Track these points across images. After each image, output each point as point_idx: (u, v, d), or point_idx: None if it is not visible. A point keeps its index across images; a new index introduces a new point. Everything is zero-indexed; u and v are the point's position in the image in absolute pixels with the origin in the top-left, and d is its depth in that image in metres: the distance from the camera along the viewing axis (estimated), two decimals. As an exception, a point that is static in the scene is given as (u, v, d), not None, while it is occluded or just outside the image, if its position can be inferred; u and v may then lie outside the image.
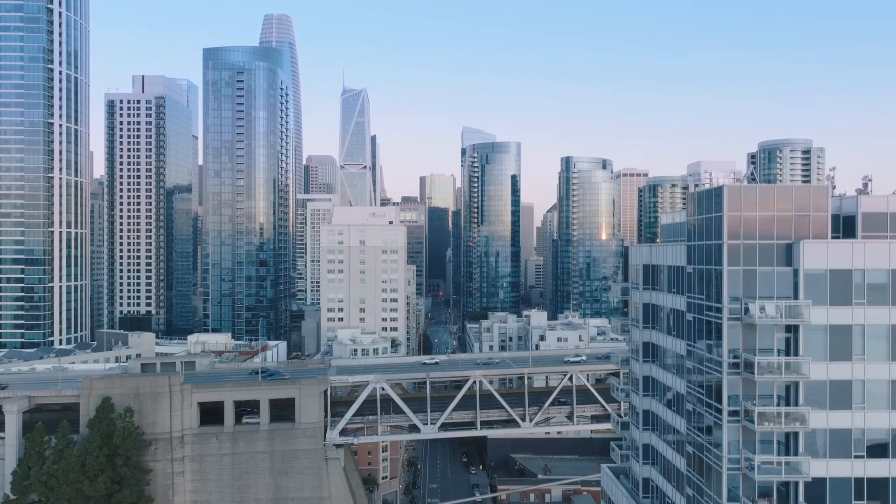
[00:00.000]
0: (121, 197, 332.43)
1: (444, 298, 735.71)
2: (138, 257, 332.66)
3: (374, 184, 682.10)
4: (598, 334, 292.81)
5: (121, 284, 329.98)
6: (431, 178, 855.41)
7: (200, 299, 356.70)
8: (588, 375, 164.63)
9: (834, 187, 66.90)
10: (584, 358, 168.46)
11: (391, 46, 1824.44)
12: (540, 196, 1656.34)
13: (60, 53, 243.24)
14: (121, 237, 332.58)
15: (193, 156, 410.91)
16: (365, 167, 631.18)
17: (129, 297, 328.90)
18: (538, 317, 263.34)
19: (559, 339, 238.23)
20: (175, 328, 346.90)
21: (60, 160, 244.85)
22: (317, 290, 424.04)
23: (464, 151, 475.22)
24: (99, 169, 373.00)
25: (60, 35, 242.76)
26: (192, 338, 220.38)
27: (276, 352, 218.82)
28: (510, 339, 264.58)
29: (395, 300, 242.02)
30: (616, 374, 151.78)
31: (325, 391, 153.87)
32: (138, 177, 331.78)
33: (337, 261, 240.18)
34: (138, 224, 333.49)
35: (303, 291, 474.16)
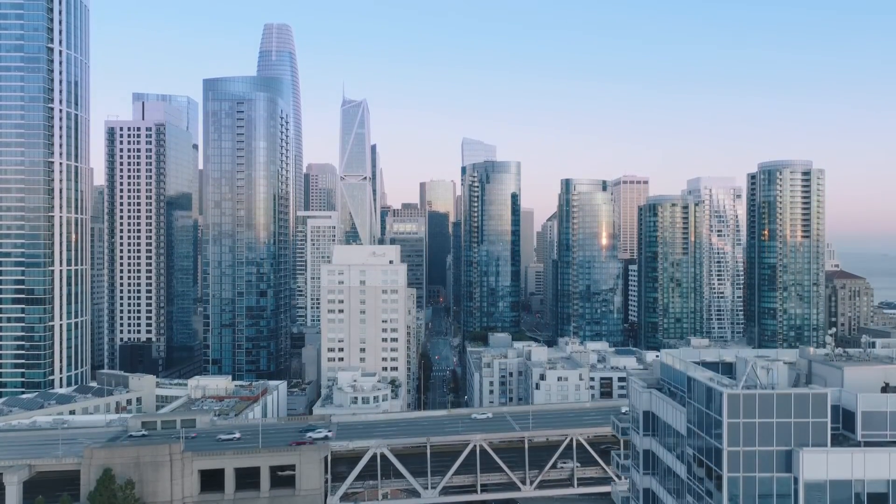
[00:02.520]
0: (121, 222, 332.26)
1: (445, 305, 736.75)
2: (139, 283, 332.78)
3: (375, 192, 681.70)
4: (599, 361, 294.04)
5: (121, 310, 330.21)
6: (431, 184, 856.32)
7: (201, 319, 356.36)
8: (588, 437, 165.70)
9: (835, 351, 67.11)
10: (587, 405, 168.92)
11: (391, 51, 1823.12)
12: (540, 200, 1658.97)
13: (61, 91, 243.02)
14: (121, 263, 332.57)
15: (194, 164, 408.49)
16: (365, 178, 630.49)
17: (129, 324, 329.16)
18: (539, 352, 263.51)
19: (559, 379, 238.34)
20: (175, 350, 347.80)
21: (61, 198, 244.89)
22: (317, 308, 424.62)
23: (464, 170, 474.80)
24: (99, 177, 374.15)
25: (61, 73, 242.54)
26: (192, 382, 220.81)
27: (276, 396, 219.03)
28: (510, 374, 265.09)
29: (395, 339, 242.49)
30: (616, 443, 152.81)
31: (326, 457, 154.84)
32: (139, 203, 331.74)
33: (337, 301, 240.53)
34: (139, 249, 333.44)
35: (303, 308, 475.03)
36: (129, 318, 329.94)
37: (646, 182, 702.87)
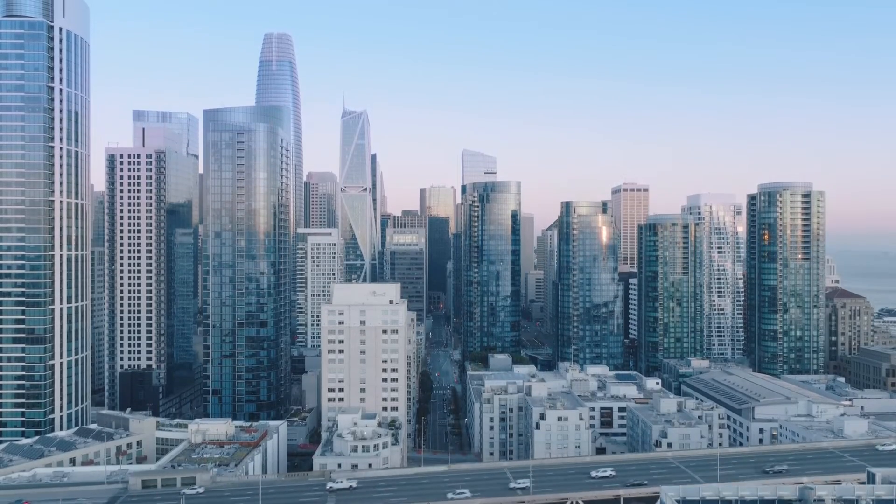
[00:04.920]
0: (121, 249, 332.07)
1: (445, 313, 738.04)
2: (139, 308, 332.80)
3: (375, 201, 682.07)
4: (599, 388, 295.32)
5: (121, 337, 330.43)
6: (432, 190, 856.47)
7: (201, 339, 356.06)
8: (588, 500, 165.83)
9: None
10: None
11: (391, 52, 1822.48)
12: (540, 202, 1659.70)
13: (61, 129, 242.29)
14: (121, 288, 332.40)
15: (194, 172, 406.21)
16: (365, 189, 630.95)
17: (129, 351, 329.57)
18: (538, 388, 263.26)
19: (559, 419, 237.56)
20: (176, 369, 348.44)
21: (61, 236, 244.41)
22: (317, 325, 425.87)
23: (464, 188, 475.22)
24: (99, 184, 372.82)
25: (61, 111, 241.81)
26: (192, 426, 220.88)
27: (276, 440, 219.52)
28: (510, 409, 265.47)
29: (395, 380, 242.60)
30: None
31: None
32: (139, 229, 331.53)
33: (337, 341, 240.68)
34: (139, 275, 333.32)
35: (303, 325, 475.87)
36: (129, 344, 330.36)
37: (646, 190, 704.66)
